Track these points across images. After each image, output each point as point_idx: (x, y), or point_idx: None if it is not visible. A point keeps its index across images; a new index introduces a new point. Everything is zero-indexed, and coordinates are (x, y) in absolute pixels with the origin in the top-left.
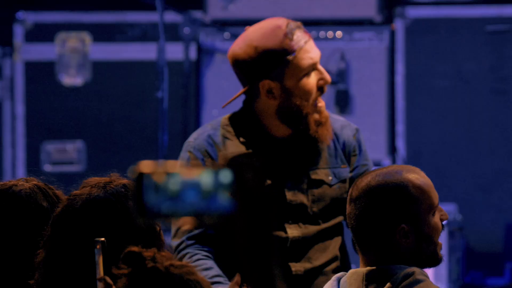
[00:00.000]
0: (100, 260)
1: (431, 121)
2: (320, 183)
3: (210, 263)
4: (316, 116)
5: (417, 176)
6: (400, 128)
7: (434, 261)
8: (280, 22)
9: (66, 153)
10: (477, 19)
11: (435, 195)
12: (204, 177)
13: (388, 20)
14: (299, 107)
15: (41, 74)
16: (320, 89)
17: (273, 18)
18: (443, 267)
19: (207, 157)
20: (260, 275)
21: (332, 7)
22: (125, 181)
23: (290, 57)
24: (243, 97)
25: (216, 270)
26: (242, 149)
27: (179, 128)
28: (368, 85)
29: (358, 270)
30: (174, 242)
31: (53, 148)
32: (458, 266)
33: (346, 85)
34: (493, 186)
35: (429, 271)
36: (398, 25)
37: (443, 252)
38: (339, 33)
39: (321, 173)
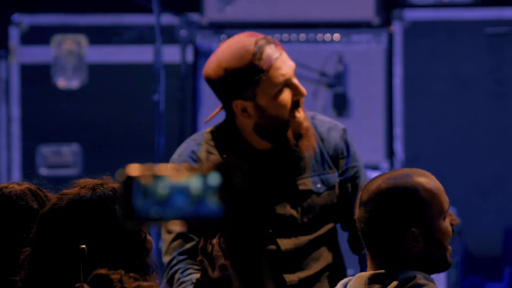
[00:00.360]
0: (80, 267)
1: (430, 124)
2: (308, 193)
3: None
4: (295, 129)
5: (428, 180)
6: (398, 131)
7: (443, 266)
8: (249, 41)
9: (62, 156)
10: (475, 22)
11: (445, 200)
12: (193, 181)
13: (386, 22)
14: (275, 124)
15: (37, 77)
16: (296, 103)
17: (243, 34)
18: None
19: None
20: (253, 280)
21: (330, 10)
22: (116, 184)
23: (260, 77)
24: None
25: None
26: None
27: (176, 131)
28: (366, 87)
29: (363, 274)
30: (166, 259)
31: (49, 151)
32: (457, 270)
33: (344, 88)
34: (492, 190)
35: None
36: (396, 28)
37: None
38: (336, 36)
39: (309, 183)
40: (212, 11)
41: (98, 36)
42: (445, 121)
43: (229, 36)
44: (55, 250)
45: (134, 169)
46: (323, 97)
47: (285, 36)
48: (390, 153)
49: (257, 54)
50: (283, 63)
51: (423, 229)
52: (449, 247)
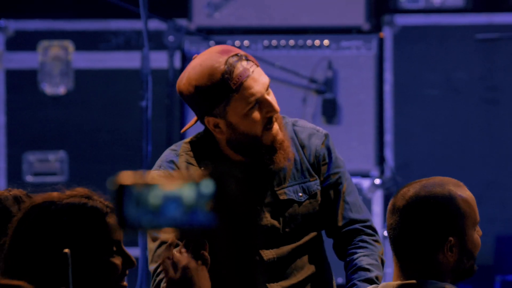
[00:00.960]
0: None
1: (421, 131)
2: (289, 202)
3: None
4: (269, 143)
5: (464, 190)
6: (388, 137)
7: (468, 275)
8: (220, 58)
9: (48, 164)
10: (466, 27)
11: (477, 211)
12: (186, 190)
13: (376, 28)
14: (247, 139)
15: (23, 83)
16: (269, 119)
17: (215, 49)
18: None
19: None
20: None
21: (320, 15)
22: (82, 200)
23: (230, 96)
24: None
25: None
26: None
27: (164, 138)
28: (356, 94)
29: (389, 284)
30: (151, 267)
31: (35, 158)
32: None
33: (334, 94)
34: (483, 198)
35: None
36: (387, 33)
37: None
38: (326, 42)
39: (289, 192)
40: (200, 17)
41: (85, 41)
42: (436, 128)
43: (217, 42)
44: (27, 255)
45: (126, 177)
46: (312, 103)
47: (274, 41)
48: (381, 161)
49: (227, 73)
50: (254, 82)
51: (458, 239)
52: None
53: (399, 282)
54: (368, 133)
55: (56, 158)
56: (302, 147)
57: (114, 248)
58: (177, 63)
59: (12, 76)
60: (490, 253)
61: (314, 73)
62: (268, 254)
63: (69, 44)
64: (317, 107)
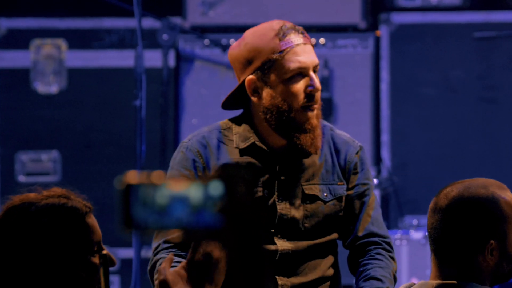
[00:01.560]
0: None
1: (418, 131)
2: (314, 198)
3: None
4: (301, 122)
5: (507, 192)
6: (385, 137)
7: (507, 278)
8: (276, 22)
9: (41, 164)
10: (464, 25)
11: None
12: (193, 191)
13: (372, 26)
14: (282, 110)
15: (15, 82)
16: (309, 97)
17: (275, 20)
18: None
19: (199, 157)
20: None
21: (316, 13)
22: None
23: (276, 56)
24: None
25: None
26: (236, 156)
27: (157, 138)
28: (352, 93)
29: (428, 282)
30: (153, 244)
31: (28, 158)
32: None
33: (330, 93)
34: None
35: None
36: (383, 32)
37: None
38: (322, 40)
39: (316, 189)
40: (195, 15)
41: (78, 40)
42: (433, 128)
43: (212, 41)
44: (9, 257)
45: (133, 177)
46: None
47: None
48: (377, 161)
49: (280, 34)
50: (303, 52)
51: (499, 243)
52: None
53: (439, 281)
54: (365, 132)
55: (49, 158)
56: (336, 151)
57: (95, 248)
58: (171, 61)
59: (4, 75)
60: None
61: None
62: (283, 245)
63: (62, 43)
64: None
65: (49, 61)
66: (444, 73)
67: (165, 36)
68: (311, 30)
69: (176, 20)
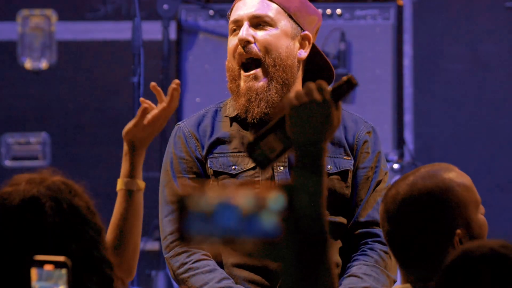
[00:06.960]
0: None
1: (444, 110)
2: None
3: (211, 264)
4: (237, 86)
5: (456, 173)
6: (408, 118)
7: None
8: None
9: (29, 147)
10: None
11: (475, 190)
12: (247, 200)
13: None
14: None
15: (0, 57)
16: (239, 55)
17: None
18: None
19: (193, 138)
20: None
21: None
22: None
23: (228, 15)
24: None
25: (220, 273)
26: (227, 127)
27: None
28: (371, 69)
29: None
30: (164, 243)
31: (14, 141)
32: None
33: (347, 69)
34: None
35: None
36: (406, 1)
37: None
38: (338, 11)
39: None
40: None
41: (70, 10)
42: (461, 107)
43: (216, 11)
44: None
45: (186, 188)
46: None
47: None
48: (400, 143)
49: None
50: (243, 5)
51: (465, 228)
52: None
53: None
54: (386, 113)
55: (37, 141)
56: (344, 127)
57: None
58: (172, 34)
59: None
60: None
61: (325, 45)
62: None
63: (52, 13)
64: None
65: (37, 34)
66: (472, 47)
67: (165, 6)
68: (326, 0)
69: None
